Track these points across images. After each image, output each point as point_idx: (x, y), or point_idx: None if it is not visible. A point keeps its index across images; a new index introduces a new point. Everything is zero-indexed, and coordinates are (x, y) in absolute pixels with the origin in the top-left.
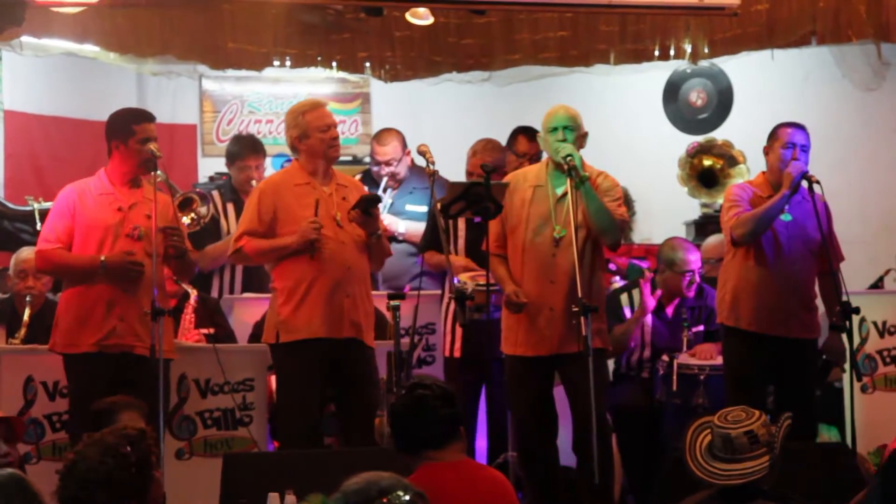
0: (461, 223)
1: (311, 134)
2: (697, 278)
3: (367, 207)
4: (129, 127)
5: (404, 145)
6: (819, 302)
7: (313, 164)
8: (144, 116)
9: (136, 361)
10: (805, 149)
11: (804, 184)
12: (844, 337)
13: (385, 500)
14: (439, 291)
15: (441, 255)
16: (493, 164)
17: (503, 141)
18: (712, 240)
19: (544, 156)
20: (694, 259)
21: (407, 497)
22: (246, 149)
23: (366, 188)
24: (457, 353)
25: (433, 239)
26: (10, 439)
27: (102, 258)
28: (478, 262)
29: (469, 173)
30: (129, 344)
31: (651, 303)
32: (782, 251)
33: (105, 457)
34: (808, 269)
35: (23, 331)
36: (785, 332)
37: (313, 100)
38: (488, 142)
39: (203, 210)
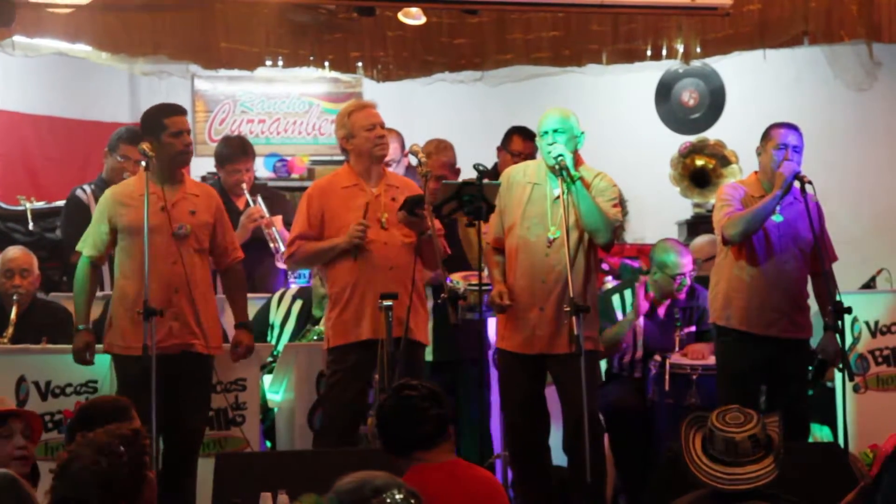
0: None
1: (357, 133)
2: (689, 281)
3: (413, 208)
4: (160, 122)
5: (403, 146)
6: (811, 302)
7: (361, 165)
8: (175, 110)
9: (193, 359)
10: (798, 149)
11: (796, 184)
12: (837, 337)
13: (379, 500)
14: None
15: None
16: (448, 162)
17: (495, 141)
18: (701, 239)
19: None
20: (685, 262)
21: (400, 496)
22: (235, 152)
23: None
24: (429, 357)
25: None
26: (28, 436)
27: (82, 327)
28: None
29: (420, 177)
30: (187, 342)
31: (644, 306)
32: (773, 251)
33: (98, 456)
34: (799, 270)
35: (10, 330)
36: (776, 332)
37: (360, 101)
38: (440, 142)
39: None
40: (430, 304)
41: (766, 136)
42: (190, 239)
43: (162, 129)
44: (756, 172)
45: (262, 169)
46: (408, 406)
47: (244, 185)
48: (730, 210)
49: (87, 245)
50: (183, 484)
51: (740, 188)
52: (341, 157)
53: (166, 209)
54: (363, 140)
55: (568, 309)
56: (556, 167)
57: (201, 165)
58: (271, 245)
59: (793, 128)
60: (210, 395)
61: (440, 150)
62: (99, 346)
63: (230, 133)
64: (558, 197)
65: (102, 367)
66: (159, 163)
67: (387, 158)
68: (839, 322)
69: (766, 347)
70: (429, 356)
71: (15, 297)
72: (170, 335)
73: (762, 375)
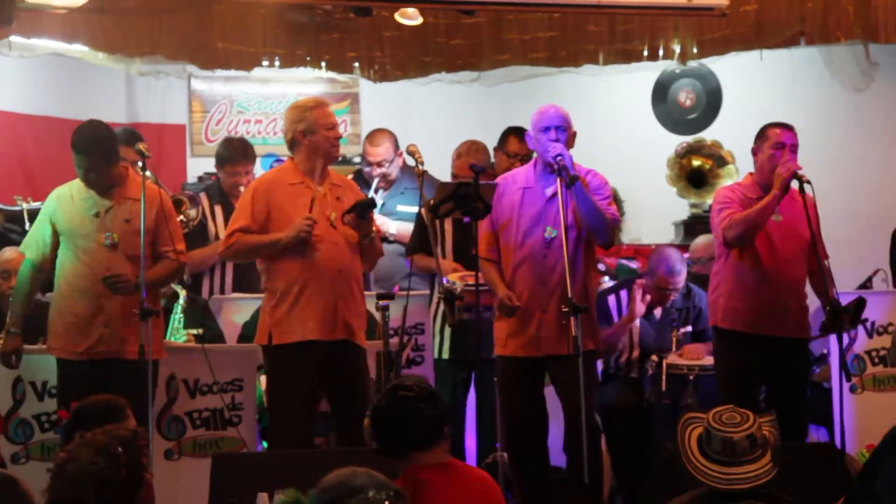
0: (448, 224)
1: (318, 130)
2: (679, 291)
3: (363, 212)
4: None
5: (396, 146)
6: (809, 302)
7: (311, 162)
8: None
9: (123, 365)
10: (794, 148)
11: (794, 183)
12: (833, 337)
13: (356, 500)
14: (428, 292)
15: (429, 258)
16: (479, 165)
17: (492, 141)
18: (701, 239)
19: (535, 157)
20: (676, 280)
21: (381, 496)
22: (236, 154)
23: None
24: (445, 354)
25: (421, 241)
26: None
27: (11, 330)
28: (465, 264)
29: (454, 175)
30: (115, 350)
31: (641, 309)
32: (775, 251)
33: (96, 457)
34: (800, 269)
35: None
36: (780, 332)
37: (317, 98)
38: (472, 143)
39: (192, 213)
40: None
41: (763, 136)
42: (120, 247)
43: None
44: (751, 173)
45: (258, 169)
46: (403, 407)
47: (242, 188)
48: (729, 212)
49: (30, 248)
50: None
51: (737, 190)
52: (339, 158)
53: (100, 215)
54: (323, 138)
55: (566, 309)
56: (555, 166)
57: (198, 166)
58: None
59: (788, 127)
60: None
61: (471, 152)
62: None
63: (227, 133)
64: (552, 196)
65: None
66: (100, 179)
67: (380, 158)
68: (836, 322)
69: (767, 348)
70: (445, 354)
71: (11, 299)
72: (100, 342)
73: (762, 376)
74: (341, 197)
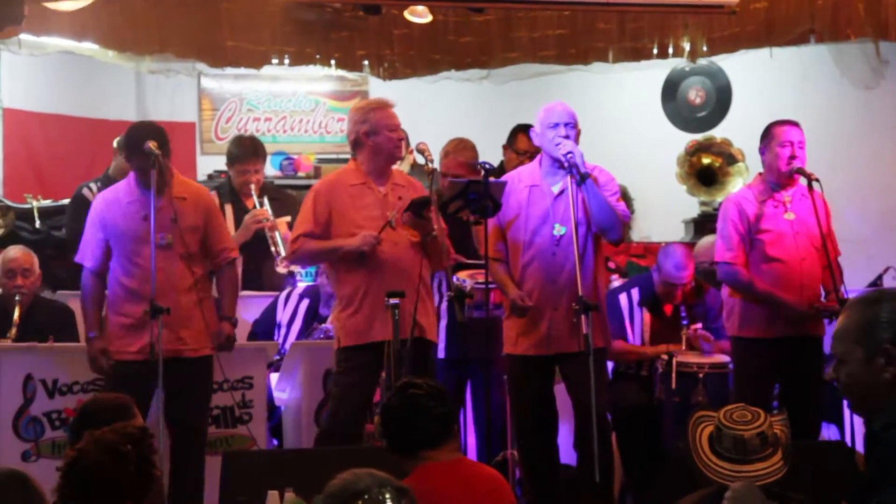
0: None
1: (381, 131)
2: (687, 287)
3: (419, 211)
4: (144, 143)
5: (407, 144)
6: None
7: (373, 163)
8: (163, 135)
9: (179, 364)
10: (801, 145)
11: (803, 181)
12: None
13: (363, 501)
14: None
15: None
16: (465, 161)
17: (501, 139)
18: (706, 241)
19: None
20: (682, 275)
21: (384, 493)
22: (247, 152)
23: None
24: (441, 354)
25: None
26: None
27: (92, 334)
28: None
29: (443, 174)
30: (172, 349)
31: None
32: (792, 251)
33: (105, 455)
34: (814, 266)
35: (13, 330)
36: (796, 332)
37: (382, 99)
38: (460, 141)
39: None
40: (444, 302)
41: (769, 134)
42: (174, 247)
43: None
44: (760, 174)
45: (268, 167)
46: (413, 405)
47: (252, 186)
48: (731, 255)
49: (86, 258)
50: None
51: (748, 200)
52: (347, 155)
53: (147, 218)
54: (386, 139)
55: (577, 307)
56: (566, 164)
57: (208, 163)
58: (272, 249)
59: (794, 124)
60: (209, 396)
61: (459, 150)
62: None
63: (237, 131)
64: (560, 193)
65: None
66: (139, 172)
67: None
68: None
69: (783, 347)
70: (440, 353)
71: (17, 297)
72: (160, 340)
73: (776, 374)
74: (403, 197)
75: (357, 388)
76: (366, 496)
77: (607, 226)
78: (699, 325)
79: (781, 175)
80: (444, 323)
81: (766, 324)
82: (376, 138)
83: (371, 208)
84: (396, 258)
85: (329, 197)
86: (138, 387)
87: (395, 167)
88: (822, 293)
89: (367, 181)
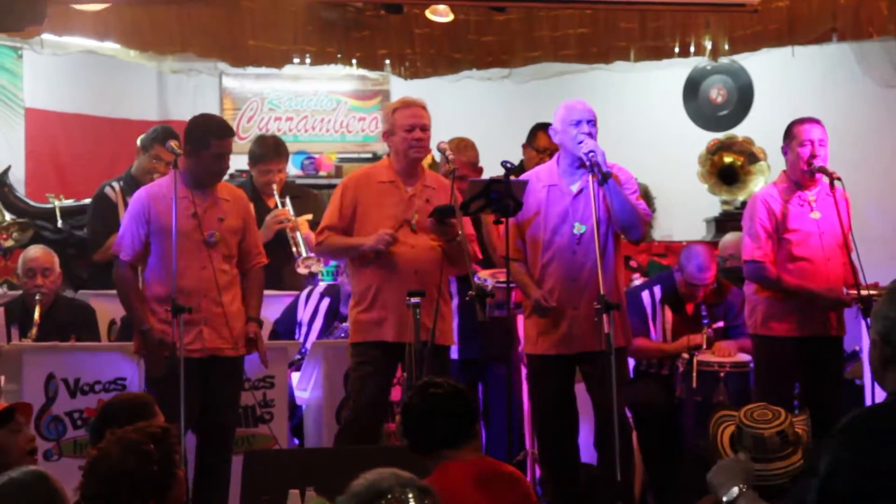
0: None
1: (396, 131)
2: (709, 288)
3: (443, 217)
4: (206, 140)
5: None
6: None
7: (398, 163)
8: (224, 132)
9: (221, 363)
10: (822, 143)
11: (825, 179)
12: (865, 333)
13: (386, 501)
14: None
15: None
16: (468, 161)
17: (522, 138)
18: (730, 237)
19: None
20: (704, 277)
21: (406, 493)
22: (269, 152)
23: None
24: (454, 355)
25: None
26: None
27: (147, 327)
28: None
29: (445, 175)
30: (214, 348)
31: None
32: (819, 251)
33: (127, 454)
34: (839, 265)
35: (34, 329)
36: (819, 332)
37: (408, 98)
38: (460, 140)
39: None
40: (455, 301)
41: (790, 133)
42: (220, 245)
43: (205, 148)
44: (785, 171)
45: (289, 167)
46: (434, 405)
47: (274, 186)
48: (761, 253)
49: (124, 248)
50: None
51: (773, 198)
52: (368, 155)
53: (197, 215)
54: (400, 139)
55: (598, 307)
56: (588, 163)
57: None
58: (293, 249)
59: (815, 122)
60: (239, 395)
61: (460, 150)
62: (129, 344)
63: (258, 131)
64: (580, 192)
65: (130, 363)
66: (194, 172)
67: None
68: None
69: (804, 346)
70: (454, 354)
71: (38, 297)
72: (199, 339)
73: (797, 373)
74: (431, 199)
75: (371, 380)
76: (389, 496)
77: (629, 225)
78: (721, 324)
79: (804, 174)
80: (455, 323)
81: (788, 323)
82: (393, 139)
83: (394, 207)
84: (413, 260)
85: (356, 192)
86: (171, 385)
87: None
88: (844, 290)
89: (396, 180)
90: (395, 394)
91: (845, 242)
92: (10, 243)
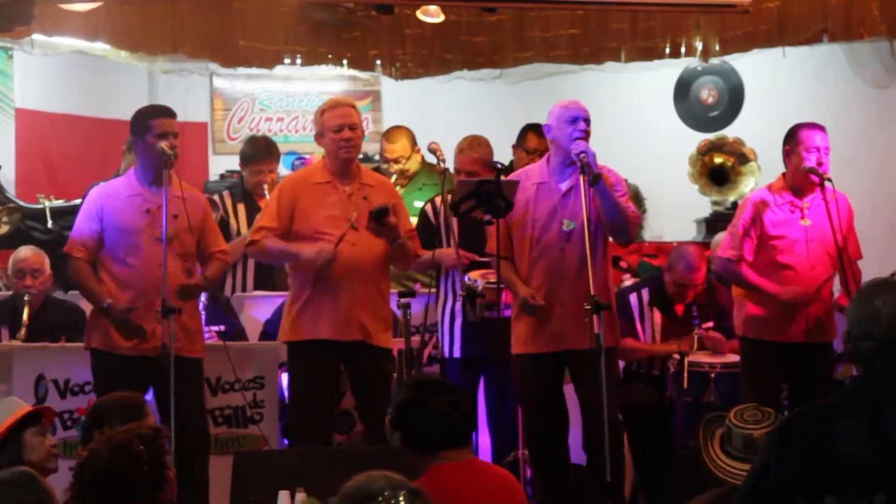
0: (453, 221)
1: (325, 133)
2: (699, 288)
3: (379, 219)
4: (145, 122)
5: (414, 143)
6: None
7: (332, 164)
8: (162, 111)
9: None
10: (827, 151)
11: (825, 182)
12: None
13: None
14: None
15: (426, 251)
16: (481, 159)
17: (513, 139)
18: (721, 237)
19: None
20: (694, 277)
21: (398, 496)
22: (260, 153)
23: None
24: (457, 354)
25: (426, 238)
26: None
27: (107, 304)
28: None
29: (457, 171)
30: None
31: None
32: (805, 258)
33: (117, 455)
34: (826, 273)
35: (23, 331)
36: (804, 338)
37: (337, 98)
38: (474, 138)
39: (213, 216)
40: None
41: (795, 137)
42: (174, 243)
43: (147, 130)
44: (784, 174)
45: (280, 167)
46: (439, 406)
47: (266, 187)
48: (733, 252)
49: (76, 246)
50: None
51: (763, 206)
52: (360, 155)
53: (150, 212)
54: (330, 140)
55: (588, 307)
56: (579, 163)
57: (220, 163)
58: None
59: (820, 128)
60: (203, 396)
61: (473, 147)
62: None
63: (249, 131)
64: (569, 190)
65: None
66: (144, 163)
67: (396, 155)
68: None
69: (792, 350)
70: (456, 353)
71: (27, 298)
72: (153, 337)
73: (785, 376)
74: (369, 197)
75: (305, 384)
76: (380, 498)
77: (618, 227)
78: (711, 324)
79: (804, 180)
80: (458, 322)
81: (772, 326)
82: (323, 140)
83: (333, 208)
84: (353, 259)
85: (293, 194)
86: (129, 383)
87: (399, 166)
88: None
89: (332, 180)
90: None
91: (842, 249)
92: (4, 229)
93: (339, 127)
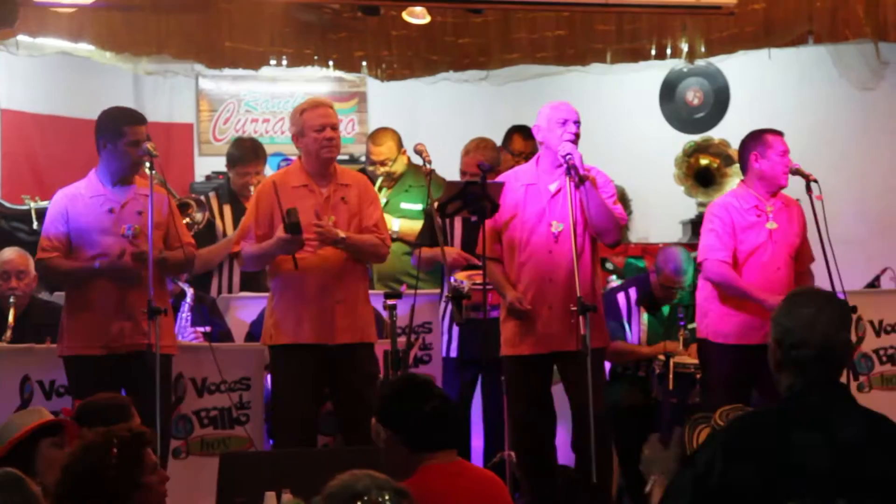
0: (457, 222)
1: (307, 133)
2: (685, 290)
3: (295, 230)
4: (119, 128)
5: (400, 144)
6: None
7: (310, 165)
8: (136, 118)
9: (141, 359)
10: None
11: (799, 179)
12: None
13: (360, 502)
14: (438, 290)
15: (433, 248)
16: (487, 163)
17: (499, 140)
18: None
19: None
20: (683, 279)
21: (383, 496)
22: (247, 154)
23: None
24: (453, 353)
25: (430, 237)
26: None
27: (97, 264)
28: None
29: (463, 172)
30: (137, 343)
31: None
32: (768, 262)
33: (87, 455)
34: (788, 275)
35: (8, 332)
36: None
37: (316, 98)
38: (482, 140)
39: (198, 216)
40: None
41: (764, 142)
42: (139, 239)
43: (120, 136)
44: (744, 181)
45: (266, 168)
46: (436, 406)
47: (252, 188)
48: (724, 255)
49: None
50: None
51: (731, 209)
52: (345, 157)
53: (114, 210)
54: (311, 140)
55: (574, 308)
56: (565, 164)
57: (205, 165)
58: None
59: (781, 133)
60: (170, 394)
61: (479, 149)
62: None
63: (235, 132)
64: (558, 192)
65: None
66: (110, 166)
67: (382, 157)
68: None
69: (754, 356)
70: (453, 353)
71: (12, 299)
72: (121, 335)
73: (750, 379)
74: (346, 197)
75: (289, 387)
76: (365, 497)
77: (604, 229)
78: (696, 325)
79: (774, 184)
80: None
81: (739, 329)
82: (304, 140)
83: (310, 211)
84: (331, 260)
85: (271, 199)
86: (100, 383)
87: (385, 168)
88: None
89: (310, 183)
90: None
91: (799, 251)
92: None
93: (321, 126)
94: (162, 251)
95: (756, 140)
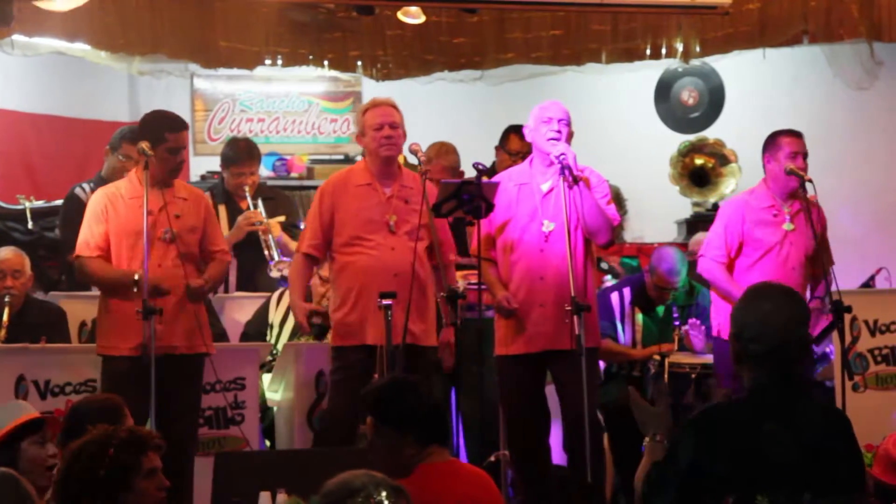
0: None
1: (367, 132)
2: (679, 290)
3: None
4: (161, 134)
5: None
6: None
7: (373, 164)
8: (178, 125)
9: (178, 361)
10: (806, 156)
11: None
12: (836, 336)
13: (353, 501)
14: None
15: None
16: (448, 166)
17: (495, 140)
18: (700, 236)
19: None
20: (677, 280)
21: (379, 493)
22: (241, 155)
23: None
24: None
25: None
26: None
27: (137, 275)
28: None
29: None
30: (168, 346)
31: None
32: (784, 262)
33: (81, 453)
34: (804, 276)
35: (3, 331)
36: None
37: (378, 98)
38: (442, 145)
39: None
40: None
41: (776, 144)
42: (177, 242)
43: (161, 142)
44: (764, 180)
45: (261, 168)
46: (434, 399)
47: (247, 188)
48: (719, 254)
49: (88, 247)
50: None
51: (746, 208)
52: (340, 157)
53: (152, 213)
54: (371, 139)
55: (569, 308)
56: (558, 164)
57: (201, 164)
58: (265, 252)
59: (799, 135)
60: (199, 397)
61: (441, 154)
62: (93, 346)
63: (230, 132)
64: (550, 191)
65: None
66: (150, 169)
67: None
68: (839, 321)
69: None
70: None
71: (7, 299)
72: (154, 338)
73: None
74: (410, 199)
75: (346, 389)
76: (362, 494)
77: (596, 229)
78: (695, 321)
79: (787, 185)
80: None
81: None
82: (364, 139)
83: (372, 210)
84: (392, 263)
85: (334, 197)
86: (130, 386)
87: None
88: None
89: (373, 182)
90: None
91: (820, 253)
92: None
93: (380, 125)
94: (203, 278)
95: (769, 141)
